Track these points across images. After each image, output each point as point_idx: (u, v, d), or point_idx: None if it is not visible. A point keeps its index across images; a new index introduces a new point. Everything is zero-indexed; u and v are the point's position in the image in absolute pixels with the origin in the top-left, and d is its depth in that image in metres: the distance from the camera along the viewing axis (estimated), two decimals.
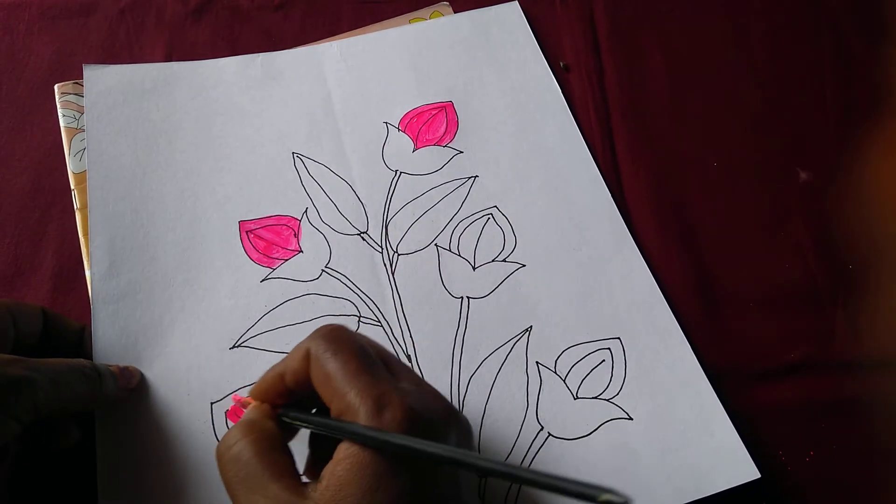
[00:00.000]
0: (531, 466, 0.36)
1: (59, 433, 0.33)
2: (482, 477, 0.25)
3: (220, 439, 0.35)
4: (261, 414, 0.29)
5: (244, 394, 0.37)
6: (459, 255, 0.42)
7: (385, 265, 0.42)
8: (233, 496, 0.26)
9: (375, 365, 0.28)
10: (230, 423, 0.36)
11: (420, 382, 0.29)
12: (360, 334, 0.31)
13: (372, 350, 0.29)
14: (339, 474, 0.25)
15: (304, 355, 0.28)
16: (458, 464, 0.24)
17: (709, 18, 0.53)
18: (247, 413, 0.30)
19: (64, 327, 0.36)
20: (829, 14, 0.53)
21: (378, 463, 0.25)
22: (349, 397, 0.26)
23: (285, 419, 0.29)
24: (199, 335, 0.39)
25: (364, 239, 0.43)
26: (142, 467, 0.35)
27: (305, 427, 0.29)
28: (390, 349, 0.39)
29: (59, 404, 0.30)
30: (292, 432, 0.32)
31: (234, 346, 0.39)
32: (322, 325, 0.29)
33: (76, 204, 0.43)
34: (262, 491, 0.25)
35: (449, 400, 0.30)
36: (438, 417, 0.27)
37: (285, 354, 0.38)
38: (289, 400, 0.30)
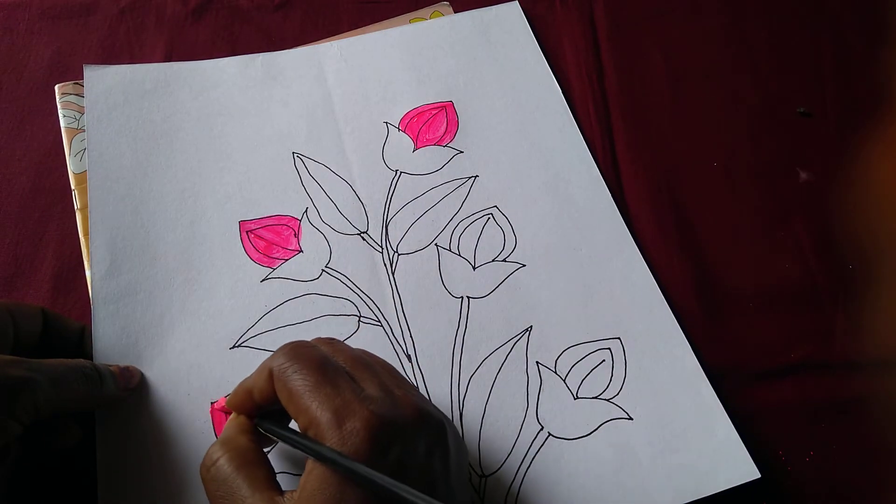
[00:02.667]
0: (530, 467, 0.36)
1: (59, 433, 0.33)
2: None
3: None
4: (237, 430, 0.30)
5: None
6: (459, 255, 0.42)
7: (385, 265, 0.42)
8: None
9: (338, 376, 0.28)
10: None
11: (389, 388, 0.29)
12: (326, 341, 0.31)
13: (338, 359, 0.29)
14: (308, 486, 0.26)
15: (268, 375, 0.28)
16: (385, 491, 0.25)
17: (709, 18, 0.53)
18: (225, 429, 0.31)
19: (64, 327, 0.36)
20: (829, 14, 0.53)
21: (342, 475, 0.25)
22: (311, 411, 0.26)
23: (260, 429, 0.30)
24: (200, 335, 0.39)
25: (364, 239, 0.43)
26: (142, 467, 0.35)
27: (277, 440, 0.30)
28: (390, 349, 0.39)
29: (59, 405, 0.30)
30: (271, 440, 0.32)
31: (234, 346, 0.39)
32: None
33: (77, 204, 0.43)
34: None
35: (427, 401, 0.30)
36: (404, 423, 0.27)
37: None
38: (260, 412, 0.30)
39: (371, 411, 0.26)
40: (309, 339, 0.31)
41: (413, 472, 0.26)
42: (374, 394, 0.27)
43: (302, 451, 0.27)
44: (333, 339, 0.33)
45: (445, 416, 0.30)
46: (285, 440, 0.28)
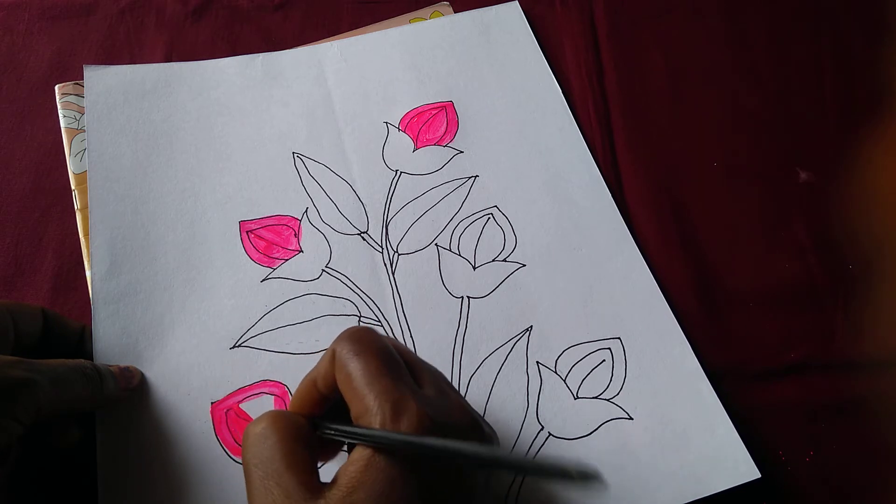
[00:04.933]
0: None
1: (59, 433, 0.33)
2: (478, 468, 0.25)
3: (221, 440, 0.36)
4: (295, 412, 0.29)
5: (243, 395, 0.37)
6: (460, 255, 0.42)
7: (385, 265, 0.42)
8: (247, 477, 0.26)
9: (398, 369, 0.27)
10: (230, 424, 0.37)
11: (445, 391, 0.28)
12: (389, 337, 0.31)
13: (398, 354, 0.29)
14: (352, 475, 0.25)
15: (331, 357, 0.28)
16: (453, 453, 0.24)
17: (709, 18, 0.53)
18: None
19: (64, 327, 0.36)
20: (829, 14, 0.53)
21: (391, 466, 0.25)
22: (367, 400, 0.26)
23: (319, 432, 0.29)
24: (200, 335, 0.39)
25: (364, 239, 0.43)
26: (142, 467, 0.35)
27: (336, 437, 0.28)
28: None
29: (60, 405, 0.30)
30: (334, 448, 0.31)
31: (234, 346, 0.39)
32: (351, 325, 0.30)
33: (77, 204, 0.43)
34: (276, 478, 0.25)
35: (476, 412, 0.30)
36: (457, 427, 0.27)
37: (286, 354, 0.39)
38: (325, 408, 0.29)
39: (426, 411, 0.26)
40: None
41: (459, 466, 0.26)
42: (431, 394, 0.27)
43: (363, 441, 0.26)
44: (390, 336, 0.32)
45: (493, 431, 0.30)
46: (347, 434, 0.27)
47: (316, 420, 0.29)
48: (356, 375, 0.27)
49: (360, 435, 0.26)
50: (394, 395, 0.26)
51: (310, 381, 0.29)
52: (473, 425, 0.28)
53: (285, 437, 0.27)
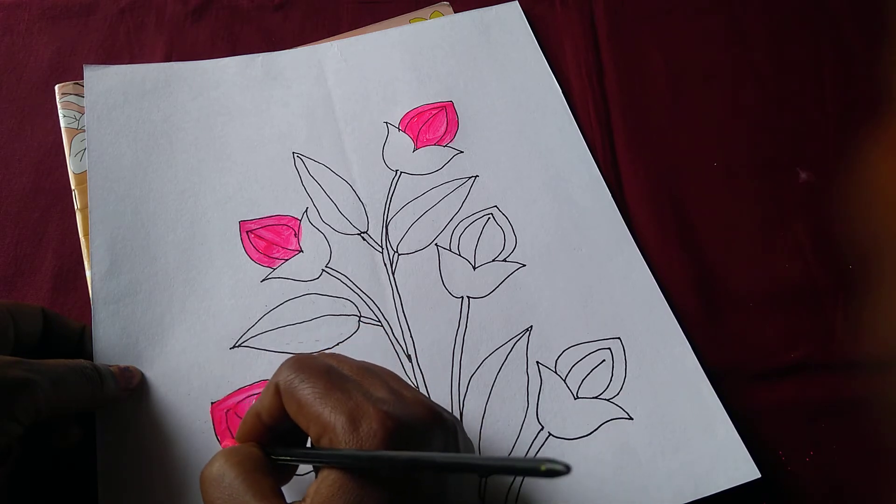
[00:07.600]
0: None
1: (59, 433, 0.33)
2: (439, 472, 0.25)
3: (221, 440, 0.36)
4: (247, 445, 0.29)
5: (243, 395, 0.37)
6: (460, 255, 0.42)
7: (385, 265, 0.42)
8: None
9: (346, 381, 0.27)
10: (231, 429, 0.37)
11: (398, 390, 0.28)
12: (329, 354, 0.31)
13: (343, 369, 0.29)
14: (322, 493, 0.25)
15: (275, 391, 0.28)
16: (421, 464, 0.24)
17: (709, 18, 0.53)
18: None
19: (64, 327, 0.36)
20: (829, 14, 0.53)
21: (356, 481, 0.25)
22: (324, 417, 0.26)
23: (273, 457, 0.29)
24: (200, 335, 0.39)
25: (364, 239, 0.43)
26: (142, 467, 0.35)
27: (292, 461, 0.28)
28: (390, 349, 0.39)
29: (59, 405, 0.30)
30: (290, 471, 0.31)
31: (234, 346, 0.39)
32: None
33: (77, 204, 0.43)
34: None
35: (435, 402, 0.30)
36: (418, 422, 0.27)
37: (286, 354, 0.38)
38: (271, 437, 0.29)
39: (385, 412, 0.26)
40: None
41: (427, 472, 0.26)
42: (385, 396, 0.27)
43: (319, 462, 0.26)
44: (335, 353, 0.32)
45: (455, 418, 0.30)
46: (300, 457, 0.27)
47: (266, 449, 0.29)
48: (306, 400, 0.26)
49: (314, 456, 0.26)
50: (348, 405, 0.26)
51: (254, 415, 0.29)
52: (434, 417, 0.27)
53: (244, 470, 0.26)
